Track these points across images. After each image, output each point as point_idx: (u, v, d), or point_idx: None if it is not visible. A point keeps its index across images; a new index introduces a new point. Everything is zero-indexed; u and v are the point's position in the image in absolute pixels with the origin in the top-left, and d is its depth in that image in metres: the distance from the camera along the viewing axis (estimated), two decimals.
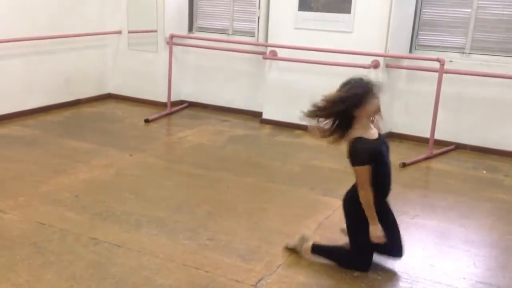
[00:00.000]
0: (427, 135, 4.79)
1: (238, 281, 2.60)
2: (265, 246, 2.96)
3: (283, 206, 3.56)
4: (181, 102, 6.26)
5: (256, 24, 5.68)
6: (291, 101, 5.43)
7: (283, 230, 3.18)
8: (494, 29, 4.89)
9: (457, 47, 5.05)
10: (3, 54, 5.19)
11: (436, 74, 4.63)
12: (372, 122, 2.63)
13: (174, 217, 3.29)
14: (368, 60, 4.94)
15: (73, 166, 4.10)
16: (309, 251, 2.80)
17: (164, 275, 2.63)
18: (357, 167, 2.56)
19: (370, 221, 2.60)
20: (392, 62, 5.05)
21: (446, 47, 5.08)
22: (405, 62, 5.10)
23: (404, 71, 5.13)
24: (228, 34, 6.03)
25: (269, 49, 5.51)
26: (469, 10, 4.92)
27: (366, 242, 2.65)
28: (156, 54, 6.14)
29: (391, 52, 4.96)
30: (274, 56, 5.48)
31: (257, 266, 2.75)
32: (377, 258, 2.83)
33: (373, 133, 2.62)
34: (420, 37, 5.19)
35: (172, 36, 5.83)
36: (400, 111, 5.21)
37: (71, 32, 5.81)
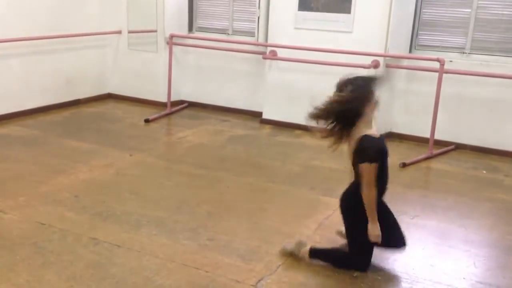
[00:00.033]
0: (427, 135, 4.80)
1: (238, 281, 2.60)
2: (265, 246, 2.96)
3: (283, 206, 3.56)
4: (181, 102, 6.26)
5: (256, 24, 5.69)
6: (291, 101, 5.44)
7: (283, 230, 3.18)
8: (494, 29, 4.89)
9: (457, 47, 5.05)
10: (3, 54, 5.19)
11: (436, 74, 4.64)
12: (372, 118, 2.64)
13: (174, 217, 3.29)
14: (368, 60, 4.94)
15: (73, 166, 4.10)
16: (307, 256, 2.77)
17: (164, 275, 2.63)
18: (365, 165, 2.53)
19: (370, 220, 2.60)
20: (392, 62, 5.05)
21: (446, 47, 5.08)
22: (405, 62, 5.10)
23: (404, 71, 5.13)
24: (228, 34, 6.03)
25: (269, 49, 5.51)
26: (469, 10, 4.92)
27: (366, 241, 2.65)
28: (156, 54, 6.14)
29: (391, 52, 4.97)
30: (274, 56, 5.48)
31: (257, 266, 2.75)
32: (377, 258, 2.83)
33: (375, 131, 2.63)
34: (420, 37, 5.19)
35: (172, 36, 5.83)
36: (400, 111, 5.21)
37: (71, 32, 5.81)
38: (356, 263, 2.74)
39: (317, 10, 5.18)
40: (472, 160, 4.73)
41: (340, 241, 2.96)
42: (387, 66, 5.02)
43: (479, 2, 4.86)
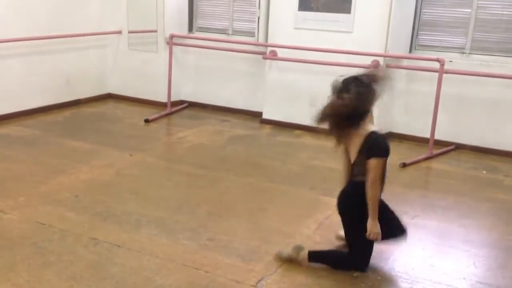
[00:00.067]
0: (427, 135, 4.80)
1: (238, 282, 2.60)
2: (265, 246, 2.96)
3: (283, 206, 3.56)
4: (181, 102, 6.26)
5: (256, 24, 5.68)
6: (291, 101, 5.44)
7: (283, 230, 3.18)
8: (494, 29, 4.89)
9: (457, 47, 5.05)
10: (3, 54, 5.19)
11: (436, 74, 4.64)
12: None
13: (174, 217, 3.29)
14: (368, 60, 4.94)
15: (73, 166, 4.10)
16: (306, 260, 2.74)
17: (164, 275, 2.63)
18: (376, 160, 2.52)
19: (371, 217, 2.57)
20: (392, 62, 5.05)
21: (446, 47, 5.08)
22: (405, 62, 5.10)
23: (404, 71, 5.13)
24: (228, 34, 6.03)
25: (269, 49, 5.51)
26: (469, 10, 4.92)
27: (366, 240, 2.64)
28: (156, 54, 6.14)
29: (391, 52, 4.97)
30: (274, 56, 5.48)
31: (257, 266, 2.75)
32: (376, 258, 2.83)
33: (376, 127, 2.64)
34: (420, 37, 5.19)
35: (172, 36, 5.83)
36: (400, 111, 5.21)
37: (71, 32, 5.81)
38: (356, 263, 2.74)
39: (317, 10, 5.18)
40: (472, 160, 4.73)
41: (337, 243, 2.97)
42: (387, 66, 5.01)
43: (479, 2, 4.86)
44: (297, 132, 5.34)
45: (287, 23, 5.34)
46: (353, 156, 2.63)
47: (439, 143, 4.88)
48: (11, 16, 5.18)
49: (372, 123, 2.64)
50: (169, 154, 4.77)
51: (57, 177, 3.85)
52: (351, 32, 5.07)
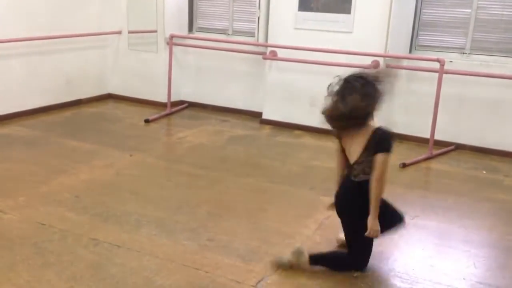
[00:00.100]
0: (427, 135, 4.80)
1: (238, 282, 2.60)
2: (265, 247, 2.96)
3: (283, 206, 3.56)
4: (181, 102, 6.26)
5: (256, 24, 5.68)
6: (291, 101, 5.44)
7: (283, 230, 3.18)
8: (494, 30, 4.89)
9: (457, 47, 5.05)
10: (4, 54, 5.20)
11: (436, 75, 4.64)
12: None
13: (174, 218, 3.30)
14: (368, 60, 4.95)
15: (74, 166, 4.10)
16: (308, 264, 2.70)
17: (164, 276, 2.63)
18: (384, 155, 2.52)
19: (374, 213, 2.55)
20: (392, 62, 5.05)
21: (446, 48, 5.09)
22: (405, 62, 5.10)
23: (404, 71, 5.13)
24: (228, 34, 6.03)
25: (269, 49, 5.52)
26: (469, 11, 4.93)
27: (366, 239, 2.63)
28: (156, 54, 6.14)
29: (391, 52, 4.97)
30: (274, 56, 5.49)
31: (257, 267, 2.75)
32: (377, 258, 2.83)
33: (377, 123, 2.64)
34: (420, 37, 5.19)
35: (172, 36, 5.83)
36: (400, 111, 5.21)
37: (71, 32, 5.81)
38: (356, 263, 2.74)
39: (317, 10, 5.18)
40: (472, 160, 4.73)
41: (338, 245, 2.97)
42: (387, 66, 5.01)
43: (479, 2, 4.86)
44: (297, 132, 5.34)
45: (287, 23, 5.34)
46: (355, 155, 2.60)
47: (439, 143, 4.88)
48: (11, 16, 5.19)
49: (373, 118, 2.63)
50: (169, 154, 4.77)
51: (57, 177, 3.85)
52: (351, 32, 5.07)
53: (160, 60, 6.09)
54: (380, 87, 2.54)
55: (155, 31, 6.06)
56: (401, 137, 5.18)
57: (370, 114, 2.56)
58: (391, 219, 2.74)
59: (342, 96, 2.53)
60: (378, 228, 2.59)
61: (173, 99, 6.01)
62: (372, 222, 2.57)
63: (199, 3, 6.17)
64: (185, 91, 6.28)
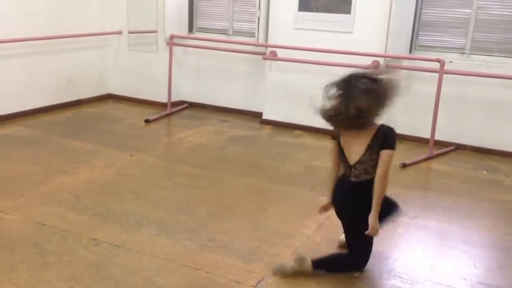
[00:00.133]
0: (427, 135, 4.80)
1: (238, 282, 2.60)
2: (265, 247, 2.96)
3: (283, 207, 3.56)
4: (181, 102, 6.27)
5: (256, 24, 5.68)
6: (291, 102, 5.44)
7: (283, 230, 3.18)
8: (494, 30, 4.89)
9: (457, 47, 5.05)
10: (4, 55, 5.20)
11: (436, 75, 4.64)
12: None
13: (174, 218, 3.30)
14: (368, 61, 4.95)
15: (74, 166, 4.10)
16: (311, 269, 2.66)
17: (164, 276, 2.63)
18: (389, 152, 2.51)
19: (376, 211, 2.53)
20: (392, 63, 5.05)
21: (446, 48, 5.09)
22: (405, 63, 5.10)
23: (404, 71, 5.13)
24: (228, 34, 6.03)
25: (269, 49, 5.52)
26: (469, 11, 4.93)
27: (366, 238, 2.62)
28: (156, 54, 6.14)
29: (391, 52, 4.97)
30: (274, 56, 5.49)
31: (257, 267, 2.75)
32: (377, 258, 2.83)
33: None
34: (420, 37, 5.19)
35: (172, 37, 5.83)
36: (400, 111, 5.19)
37: (72, 33, 5.81)
38: (358, 263, 2.73)
39: (317, 10, 5.18)
40: (472, 160, 4.73)
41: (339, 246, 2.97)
42: (387, 66, 5.01)
43: (479, 2, 4.86)
44: (297, 132, 5.34)
45: (287, 24, 5.34)
46: (357, 154, 2.57)
47: (439, 144, 4.88)
48: (11, 17, 5.19)
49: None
50: (169, 154, 4.78)
51: (57, 178, 3.85)
52: (351, 33, 5.07)
53: (160, 60, 6.09)
54: (387, 86, 2.53)
55: (155, 31, 6.07)
56: (401, 137, 5.18)
57: (378, 113, 2.53)
58: (386, 208, 2.70)
59: (347, 95, 2.47)
60: (378, 226, 2.57)
61: (173, 99, 6.01)
62: (374, 221, 2.54)
63: (199, 3, 6.18)
64: (185, 91, 6.29)
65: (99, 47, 6.31)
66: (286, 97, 5.50)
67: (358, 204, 2.60)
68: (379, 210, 2.54)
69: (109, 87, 6.53)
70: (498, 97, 4.81)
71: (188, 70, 6.23)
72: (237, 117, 5.86)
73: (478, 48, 4.97)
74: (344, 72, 2.61)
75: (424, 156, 4.70)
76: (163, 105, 6.02)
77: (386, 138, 2.54)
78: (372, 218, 2.54)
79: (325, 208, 2.84)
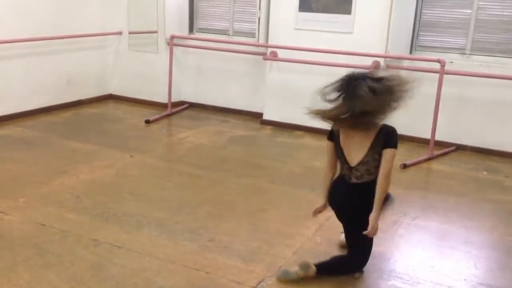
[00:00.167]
0: (427, 136, 4.79)
1: (238, 283, 2.60)
2: (265, 247, 2.96)
3: (283, 207, 3.56)
4: (182, 103, 6.26)
5: (257, 25, 5.68)
6: (292, 102, 5.44)
7: (284, 231, 3.18)
8: (494, 30, 4.89)
9: (458, 48, 5.05)
10: (4, 55, 5.20)
11: (437, 75, 4.63)
12: None
13: (174, 218, 3.30)
14: (368, 61, 4.94)
15: (74, 167, 4.10)
16: (315, 274, 2.64)
17: (165, 276, 2.63)
18: (394, 151, 2.51)
19: (378, 211, 2.52)
20: (392, 63, 5.05)
21: (447, 48, 5.09)
22: (406, 63, 5.10)
23: (405, 72, 5.12)
24: (229, 35, 6.03)
25: (270, 50, 5.52)
26: (469, 11, 4.93)
27: (367, 238, 2.61)
28: (157, 55, 6.14)
29: (392, 53, 4.97)
30: (274, 57, 5.49)
31: (257, 267, 2.75)
32: (378, 259, 2.83)
33: None
34: (420, 38, 5.19)
35: (172, 37, 5.83)
36: (400, 111, 5.19)
37: (72, 33, 5.81)
38: (358, 263, 2.73)
39: (318, 11, 5.18)
40: (472, 161, 4.73)
41: (338, 244, 2.97)
42: (388, 67, 5.01)
43: (480, 3, 4.86)
44: (298, 133, 5.34)
45: (288, 24, 5.34)
46: (359, 155, 2.55)
47: (439, 144, 4.88)
48: (12, 17, 5.19)
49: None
50: (169, 155, 4.78)
51: (58, 178, 3.85)
52: (351, 33, 5.07)
53: (160, 61, 6.09)
54: (393, 85, 2.50)
55: (156, 32, 6.07)
56: (402, 138, 5.17)
57: (384, 112, 2.52)
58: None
59: (352, 95, 2.43)
60: (378, 226, 2.56)
61: (173, 99, 6.01)
62: (375, 221, 2.52)
63: (199, 4, 6.18)
64: (186, 92, 6.29)
65: (99, 47, 6.31)
66: (286, 97, 5.50)
67: (360, 206, 2.58)
68: (380, 210, 2.54)
69: (110, 87, 6.53)
70: (498, 97, 4.81)
71: (189, 71, 6.23)
72: (238, 118, 5.86)
73: (479, 49, 4.96)
74: (344, 72, 2.60)
75: (424, 156, 4.70)
76: (163, 106, 6.02)
77: (389, 138, 2.54)
78: (373, 218, 2.53)
79: (319, 211, 2.83)
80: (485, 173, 4.44)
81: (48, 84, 5.72)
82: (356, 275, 2.71)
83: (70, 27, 5.78)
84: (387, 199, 2.71)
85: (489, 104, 4.85)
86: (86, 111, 5.92)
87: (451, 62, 4.82)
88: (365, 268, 2.75)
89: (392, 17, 4.88)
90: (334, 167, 2.74)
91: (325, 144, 2.73)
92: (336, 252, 2.93)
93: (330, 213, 3.39)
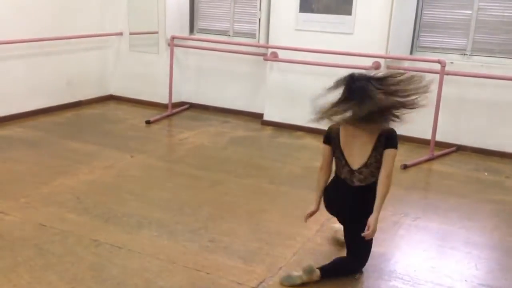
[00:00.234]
0: (428, 136, 4.79)
1: (239, 283, 2.60)
2: (266, 248, 2.96)
3: (284, 208, 3.55)
4: (182, 103, 6.27)
5: (257, 25, 5.68)
6: (292, 103, 5.44)
7: (284, 231, 3.18)
8: (494, 31, 4.89)
9: (458, 48, 5.05)
10: (5, 56, 5.20)
11: (437, 76, 4.63)
12: None
13: (175, 219, 3.30)
14: (369, 62, 4.95)
15: (75, 167, 4.10)
16: (319, 278, 2.62)
17: (165, 277, 2.63)
18: (395, 151, 2.53)
19: (378, 212, 2.52)
20: (393, 64, 5.05)
21: (447, 49, 5.09)
22: (406, 64, 5.10)
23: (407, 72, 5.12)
24: (229, 35, 6.04)
25: (270, 50, 5.52)
26: (470, 12, 4.93)
27: (367, 239, 2.60)
28: (157, 55, 6.15)
29: (392, 53, 4.97)
30: (275, 57, 5.49)
31: (258, 268, 2.74)
32: (378, 260, 2.83)
33: None
34: (421, 38, 5.19)
35: (173, 38, 5.83)
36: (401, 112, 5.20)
37: (73, 34, 5.82)
38: (359, 264, 2.73)
39: (318, 11, 5.18)
40: (473, 161, 4.72)
41: (339, 244, 2.96)
42: (388, 67, 5.00)
43: (480, 3, 4.86)
44: (298, 133, 5.34)
45: (288, 25, 5.34)
46: (362, 158, 2.55)
47: (440, 145, 4.88)
48: (12, 18, 5.19)
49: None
50: (170, 155, 4.78)
51: (58, 179, 3.86)
52: (352, 34, 5.07)
53: (161, 62, 6.09)
54: (400, 84, 2.49)
55: (156, 33, 6.07)
56: (402, 139, 5.17)
57: (393, 112, 2.51)
58: None
59: (362, 95, 2.41)
60: (377, 227, 2.56)
61: (174, 100, 6.01)
62: (375, 223, 2.52)
63: (200, 5, 6.18)
64: (186, 92, 6.29)
65: (100, 48, 6.31)
66: (287, 98, 5.50)
67: (365, 208, 2.57)
68: (380, 210, 2.54)
69: (110, 88, 6.53)
70: (499, 98, 4.81)
71: (189, 71, 6.23)
72: (238, 118, 5.86)
73: (479, 49, 4.97)
74: (345, 73, 2.60)
75: (425, 157, 4.69)
76: (164, 106, 6.02)
77: (389, 138, 2.54)
78: (373, 219, 2.52)
79: (310, 215, 2.83)
80: (486, 173, 4.44)
81: (49, 85, 5.72)
82: (357, 276, 2.71)
83: (71, 27, 5.79)
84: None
85: (490, 104, 4.85)
86: (86, 112, 5.93)
87: (452, 62, 4.82)
88: (366, 269, 2.75)
89: (393, 17, 4.88)
90: (329, 171, 2.73)
91: (321, 146, 2.72)
92: (336, 252, 2.93)
93: (329, 215, 3.39)
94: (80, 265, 2.70)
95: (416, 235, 3.25)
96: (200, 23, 6.24)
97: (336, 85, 2.54)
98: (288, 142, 5.12)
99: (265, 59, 5.53)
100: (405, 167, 4.45)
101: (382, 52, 4.96)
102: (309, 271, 2.61)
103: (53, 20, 5.61)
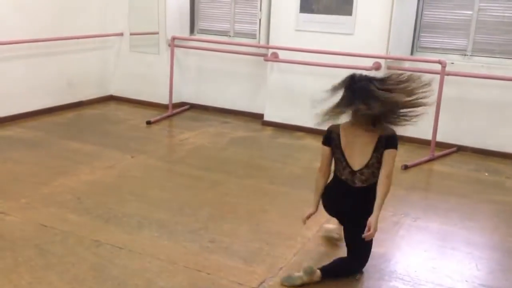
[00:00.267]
0: (428, 137, 4.79)
1: (239, 284, 2.60)
2: (266, 248, 2.96)
3: (284, 208, 3.56)
4: (183, 104, 6.27)
5: (258, 26, 5.69)
6: (292, 103, 5.44)
7: (285, 232, 3.18)
8: (495, 31, 4.89)
9: (459, 49, 5.06)
10: (6, 56, 5.21)
11: (438, 76, 4.63)
12: None
13: (175, 219, 3.30)
14: (369, 62, 4.95)
15: (75, 167, 4.10)
16: (320, 279, 2.62)
17: (166, 277, 2.63)
18: (395, 151, 2.54)
19: (378, 212, 2.51)
20: (393, 64, 5.05)
21: (448, 49, 5.09)
22: (406, 64, 5.10)
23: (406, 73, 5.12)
24: (230, 36, 6.04)
25: (271, 51, 5.52)
26: (470, 12, 4.93)
27: (367, 240, 2.60)
28: (158, 56, 6.15)
29: (392, 54, 4.97)
30: (275, 58, 5.49)
31: (258, 269, 2.74)
32: (378, 260, 2.83)
33: None
34: (421, 39, 5.19)
35: (173, 38, 5.84)
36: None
37: (73, 34, 5.82)
38: (359, 264, 2.72)
39: (319, 12, 5.18)
40: (474, 162, 4.72)
41: (339, 244, 2.96)
42: (389, 68, 5.01)
43: (481, 4, 4.87)
44: (299, 134, 5.34)
45: (289, 25, 5.35)
46: (363, 159, 2.56)
47: (440, 145, 4.88)
48: (13, 18, 5.19)
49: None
50: (170, 156, 4.78)
51: (59, 179, 3.86)
52: (352, 34, 5.08)
53: (161, 62, 6.10)
54: (402, 84, 2.52)
55: (157, 33, 6.07)
56: (403, 139, 5.17)
57: (403, 111, 2.54)
58: None
59: (368, 96, 2.43)
60: (377, 228, 2.55)
61: (174, 100, 6.01)
62: (375, 223, 2.52)
63: (200, 5, 6.18)
64: (187, 93, 6.29)
65: (100, 48, 6.32)
66: (287, 98, 5.51)
67: (367, 208, 2.56)
68: (380, 211, 2.53)
69: (111, 88, 6.53)
70: (499, 98, 4.81)
71: (190, 72, 6.24)
72: (238, 119, 5.87)
73: (480, 50, 4.97)
74: (345, 73, 2.60)
75: (425, 157, 4.69)
76: (164, 107, 6.02)
77: (390, 138, 2.55)
78: (374, 220, 2.52)
79: (309, 217, 2.83)
80: (486, 174, 4.44)
81: (50, 85, 5.72)
82: (358, 276, 2.70)
83: (71, 28, 5.79)
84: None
85: (490, 105, 4.85)
86: (87, 112, 5.93)
87: (452, 63, 4.82)
88: (366, 269, 2.75)
89: (393, 18, 4.88)
90: (328, 172, 2.73)
91: (321, 148, 2.72)
92: (337, 252, 2.93)
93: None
94: (80, 265, 2.70)
95: (417, 236, 3.25)
96: (200, 24, 6.24)
97: (338, 86, 2.54)
98: (288, 143, 5.12)
99: (266, 60, 5.53)
100: (406, 167, 4.45)
101: (382, 53, 4.96)
102: (309, 271, 2.61)
103: (54, 20, 5.61)
